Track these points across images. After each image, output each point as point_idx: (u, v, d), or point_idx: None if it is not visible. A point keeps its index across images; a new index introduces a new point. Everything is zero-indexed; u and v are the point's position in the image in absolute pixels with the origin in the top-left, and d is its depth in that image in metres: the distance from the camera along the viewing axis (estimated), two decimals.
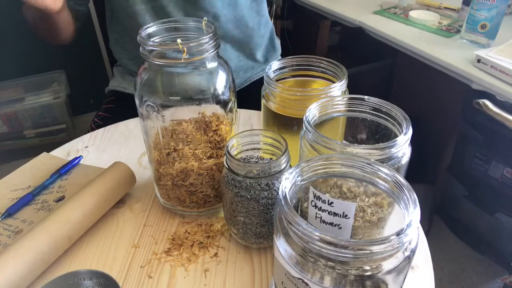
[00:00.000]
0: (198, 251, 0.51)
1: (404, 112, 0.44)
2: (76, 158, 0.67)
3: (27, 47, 1.68)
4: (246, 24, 0.91)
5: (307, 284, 0.33)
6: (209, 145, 0.52)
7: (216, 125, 0.52)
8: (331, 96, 0.50)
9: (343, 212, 0.36)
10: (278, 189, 0.43)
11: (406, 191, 0.34)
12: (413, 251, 0.32)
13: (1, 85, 1.79)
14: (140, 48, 0.47)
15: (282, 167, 0.46)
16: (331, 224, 0.37)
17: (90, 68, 1.88)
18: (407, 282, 0.36)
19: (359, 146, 0.40)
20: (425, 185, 1.42)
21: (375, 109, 0.46)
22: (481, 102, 0.99)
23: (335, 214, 0.37)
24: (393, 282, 0.33)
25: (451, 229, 1.41)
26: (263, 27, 0.96)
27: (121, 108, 0.92)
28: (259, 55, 0.99)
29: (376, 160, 0.38)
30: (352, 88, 0.55)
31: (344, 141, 0.52)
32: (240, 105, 0.68)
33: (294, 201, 0.39)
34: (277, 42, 1.05)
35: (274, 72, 0.56)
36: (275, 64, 0.56)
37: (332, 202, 0.36)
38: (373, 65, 1.75)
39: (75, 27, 0.84)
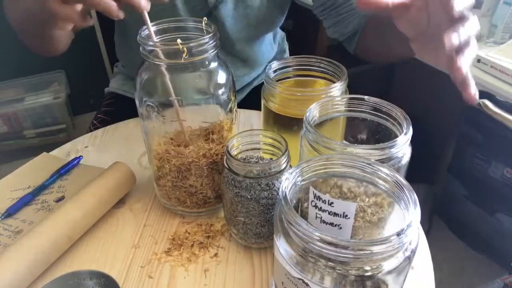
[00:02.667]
0: (198, 251, 0.51)
1: (404, 112, 0.44)
2: (76, 158, 0.67)
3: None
4: (260, 50, 0.88)
5: (307, 285, 0.33)
6: (209, 145, 0.52)
7: (219, 131, 0.52)
8: (331, 96, 0.50)
9: (343, 212, 0.36)
10: (278, 189, 0.43)
11: (406, 191, 0.34)
12: (413, 251, 0.32)
13: (1, 85, 1.79)
14: (140, 48, 0.47)
15: (282, 167, 0.46)
16: (331, 224, 0.37)
17: (90, 68, 1.88)
18: (407, 282, 0.36)
19: (359, 146, 0.40)
20: (425, 185, 1.42)
21: (375, 109, 0.46)
22: (481, 102, 0.99)
23: (335, 214, 0.37)
24: (394, 282, 0.33)
25: (451, 229, 1.41)
26: (272, 49, 0.95)
27: (120, 111, 0.91)
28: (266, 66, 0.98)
29: (376, 160, 0.38)
30: (352, 88, 0.55)
31: (344, 141, 0.52)
32: (240, 105, 0.68)
33: (294, 201, 0.39)
34: (286, 48, 1.04)
35: (274, 72, 0.56)
36: (275, 64, 0.56)
37: (332, 202, 0.36)
38: (373, 65, 1.74)
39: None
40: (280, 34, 1.03)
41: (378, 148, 0.40)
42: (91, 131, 0.86)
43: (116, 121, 0.80)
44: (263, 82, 0.98)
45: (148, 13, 0.46)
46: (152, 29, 0.50)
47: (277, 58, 1.00)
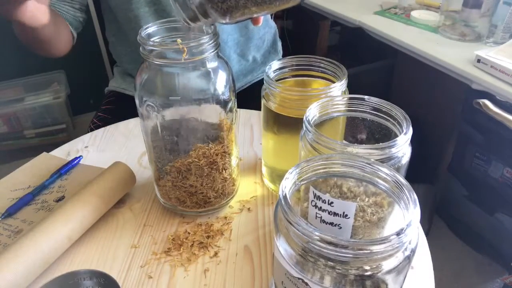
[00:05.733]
0: (198, 251, 0.51)
1: (404, 112, 0.44)
2: (76, 158, 0.67)
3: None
4: (245, 25, 0.91)
5: (307, 284, 0.33)
6: (209, 145, 0.52)
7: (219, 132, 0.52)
8: (331, 96, 0.50)
9: (343, 212, 0.36)
10: None
11: (406, 191, 0.34)
12: (413, 251, 0.32)
13: (1, 85, 1.79)
14: (140, 48, 0.47)
15: None
16: (331, 224, 0.37)
17: (90, 68, 1.88)
18: (407, 282, 0.36)
19: (359, 146, 0.40)
20: (425, 185, 1.42)
21: (375, 109, 0.46)
22: (481, 102, 0.99)
23: (335, 214, 0.37)
24: (393, 282, 0.33)
25: (451, 229, 1.41)
26: (262, 29, 0.96)
27: (121, 109, 0.92)
28: (259, 58, 0.99)
29: (376, 160, 0.38)
30: (352, 88, 0.55)
31: (344, 141, 0.52)
32: (240, 105, 0.68)
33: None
34: (279, 45, 1.04)
35: (274, 72, 0.56)
36: (275, 64, 0.56)
37: (332, 202, 0.36)
38: (373, 65, 1.75)
39: (72, 37, 0.81)
40: (273, 24, 1.03)
41: (378, 148, 0.40)
42: (91, 129, 0.86)
43: (116, 119, 0.80)
44: (260, 80, 0.98)
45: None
46: (152, 29, 0.50)
47: (270, 52, 1.01)
